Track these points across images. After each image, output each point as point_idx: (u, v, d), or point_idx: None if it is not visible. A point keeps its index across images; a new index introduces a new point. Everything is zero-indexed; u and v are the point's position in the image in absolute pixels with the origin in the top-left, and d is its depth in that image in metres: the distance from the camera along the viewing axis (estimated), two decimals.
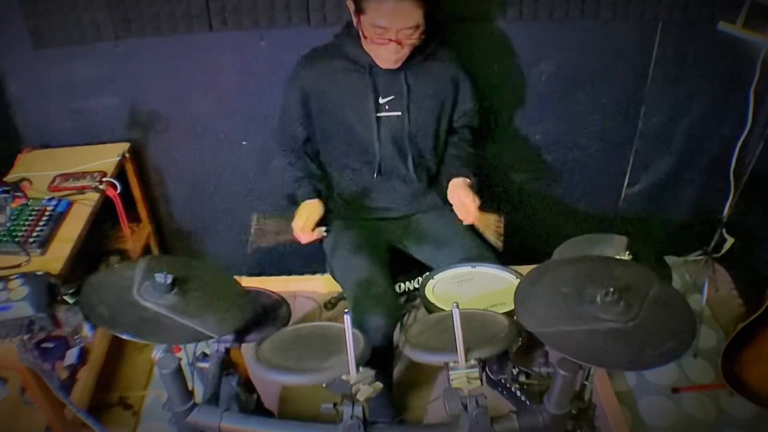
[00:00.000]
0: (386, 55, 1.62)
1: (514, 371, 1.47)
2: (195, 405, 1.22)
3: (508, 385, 1.51)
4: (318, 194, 1.73)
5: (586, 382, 1.33)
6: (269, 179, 2.17)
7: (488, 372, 1.52)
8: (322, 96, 1.73)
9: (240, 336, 1.38)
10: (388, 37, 1.56)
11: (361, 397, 1.15)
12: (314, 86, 1.73)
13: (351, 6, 1.60)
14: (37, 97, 1.97)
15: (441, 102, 1.77)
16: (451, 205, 1.88)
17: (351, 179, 1.83)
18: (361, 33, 1.60)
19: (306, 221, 1.64)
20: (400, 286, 1.78)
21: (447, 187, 1.74)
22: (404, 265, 1.81)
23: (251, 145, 2.12)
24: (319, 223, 1.68)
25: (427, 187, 1.87)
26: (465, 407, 1.13)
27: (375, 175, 1.79)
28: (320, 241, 1.70)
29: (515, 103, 2.09)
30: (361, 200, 1.85)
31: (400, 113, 1.72)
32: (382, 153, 1.76)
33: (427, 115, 1.76)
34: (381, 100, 1.71)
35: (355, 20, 1.62)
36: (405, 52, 1.62)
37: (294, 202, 1.74)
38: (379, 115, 1.71)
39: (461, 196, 1.68)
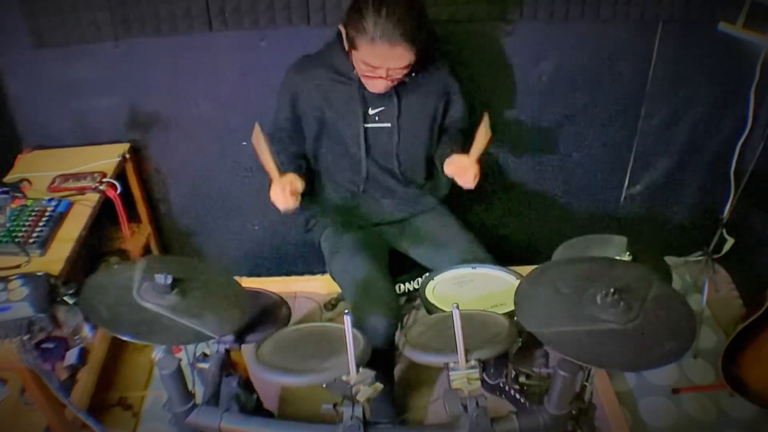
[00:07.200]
0: (375, 86, 1.61)
1: (513, 373, 1.47)
2: (195, 405, 1.22)
3: (507, 389, 1.51)
4: (299, 171, 1.67)
5: (586, 383, 1.33)
6: (269, 178, 2.16)
7: (485, 377, 1.52)
8: (311, 104, 1.71)
9: (240, 336, 1.38)
10: (379, 75, 1.56)
11: (361, 397, 1.15)
12: (304, 94, 1.71)
13: (344, 31, 1.58)
14: (37, 97, 1.97)
15: (432, 112, 1.75)
16: (447, 205, 1.88)
17: (341, 188, 1.82)
18: (352, 65, 1.59)
19: (283, 190, 1.57)
20: (400, 287, 1.78)
21: (441, 170, 1.68)
22: (404, 266, 1.81)
23: (251, 146, 2.12)
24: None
25: (419, 191, 1.86)
26: (465, 408, 1.13)
27: (361, 186, 1.78)
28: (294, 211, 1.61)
29: (515, 103, 2.08)
30: (352, 209, 1.84)
31: (389, 124, 1.71)
32: (368, 164, 1.75)
33: (418, 126, 1.75)
34: (371, 111, 1.69)
35: (346, 45, 1.59)
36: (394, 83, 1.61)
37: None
38: (367, 126, 1.70)
39: (460, 159, 1.61)
